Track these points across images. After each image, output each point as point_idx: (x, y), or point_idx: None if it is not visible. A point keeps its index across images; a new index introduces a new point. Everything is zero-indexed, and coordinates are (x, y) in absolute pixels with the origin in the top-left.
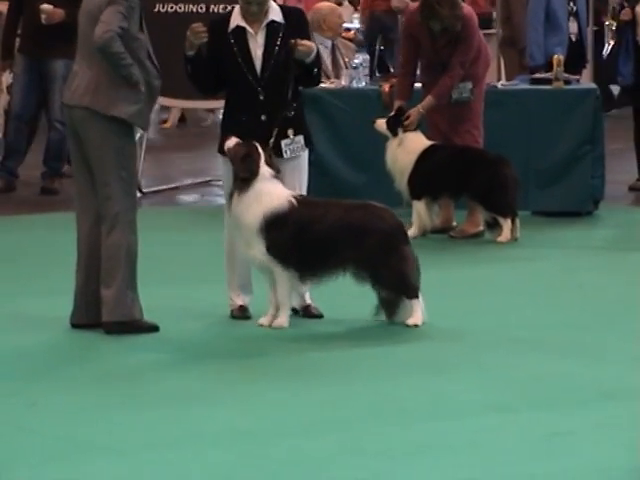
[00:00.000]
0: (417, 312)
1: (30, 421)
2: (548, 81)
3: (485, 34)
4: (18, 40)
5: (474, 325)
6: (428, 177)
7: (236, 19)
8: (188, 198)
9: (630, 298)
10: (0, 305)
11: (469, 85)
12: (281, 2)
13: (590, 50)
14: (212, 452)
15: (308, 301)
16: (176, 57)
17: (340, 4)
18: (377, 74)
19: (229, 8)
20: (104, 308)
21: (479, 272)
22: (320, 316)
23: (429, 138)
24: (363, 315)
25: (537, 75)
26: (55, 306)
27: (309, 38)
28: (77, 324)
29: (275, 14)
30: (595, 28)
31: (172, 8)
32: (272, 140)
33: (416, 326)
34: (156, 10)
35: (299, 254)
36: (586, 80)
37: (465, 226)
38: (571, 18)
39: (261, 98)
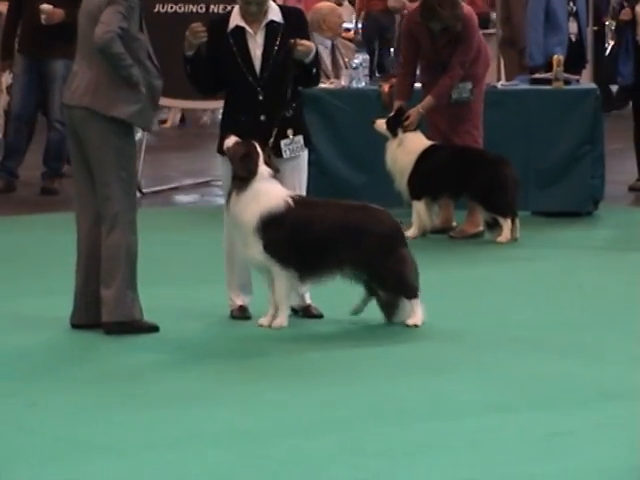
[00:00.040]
0: (417, 312)
1: (30, 421)
2: (548, 81)
3: (483, 34)
4: (17, 40)
5: (474, 325)
6: (428, 177)
7: (235, 19)
8: (188, 198)
9: (630, 298)
10: (0, 305)
11: (469, 85)
12: (281, 2)
13: (590, 50)
14: (212, 452)
15: (308, 301)
16: (176, 57)
17: (340, 4)
18: (377, 74)
19: (229, 8)
20: (104, 308)
21: (479, 272)
22: (320, 316)
23: (429, 138)
24: (363, 315)
25: (537, 75)
26: (55, 306)
27: (308, 38)
28: (77, 324)
29: (274, 14)
30: (595, 28)
31: (172, 8)
32: (272, 140)
33: (416, 326)
34: (156, 10)
35: (296, 254)
36: (586, 80)
37: (465, 226)
38: (571, 18)
39: (260, 98)
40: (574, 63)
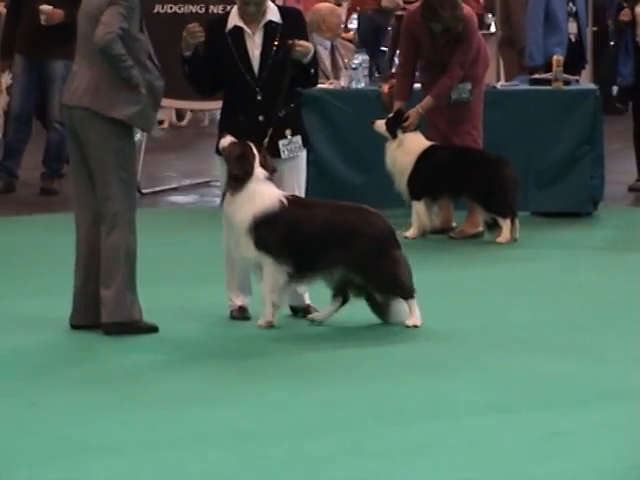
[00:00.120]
0: (415, 313)
1: (29, 421)
2: (547, 81)
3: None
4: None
5: (474, 325)
6: (428, 178)
7: (234, 19)
8: (187, 199)
9: (630, 298)
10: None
11: (468, 86)
12: (280, 2)
13: (589, 51)
14: (211, 452)
15: (307, 301)
16: (176, 58)
17: (339, 5)
18: (377, 74)
19: (228, 8)
20: (103, 309)
21: (478, 272)
22: None
23: (428, 139)
24: (363, 315)
25: (536, 75)
26: (54, 307)
27: (307, 38)
28: (76, 325)
29: (273, 14)
30: (595, 29)
31: (171, 9)
32: (266, 140)
33: (416, 327)
34: (155, 11)
35: (289, 253)
36: (585, 81)
37: (465, 227)
38: (570, 19)
39: (259, 98)
40: (574, 63)
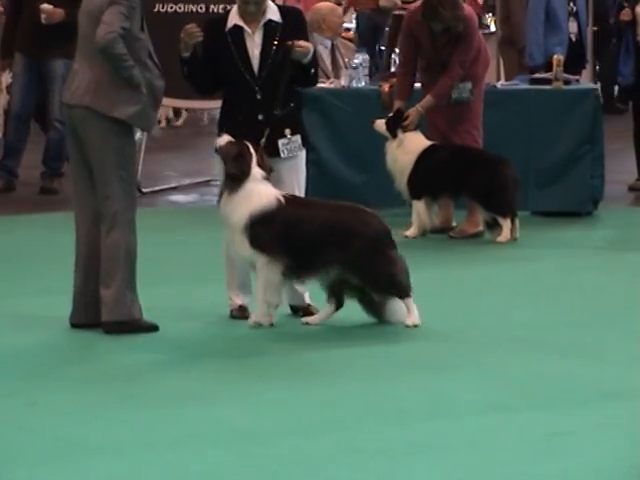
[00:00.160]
0: (413, 312)
1: (29, 421)
2: (548, 81)
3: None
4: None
5: (473, 325)
6: (428, 177)
7: (233, 18)
8: (187, 198)
9: (630, 298)
10: None
11: (469, 85)
12: (280, 2)
13: (590, 50)
14: (211, 452)
15: (307, 301)
16: (175, 57)
17: (340, 4)
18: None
19: (229, 8)
20: (103, 308)
21: (478, 272)
22: None
23: (428, 138)
24: (362, 315)
25: (537, 75)
26: (54, 306)
27: (307, 38)
28: (76, 324)
29: (273, 13)
30: (595, 28)
31: (172, 8)
32: (263, 140)
33: (415, 326)
34: (156, 10)
35: (284, 252)
36: (586, 80)
37: (465, 226)
38: (571, 18)
39: (258, 97)
40: (574, 63)
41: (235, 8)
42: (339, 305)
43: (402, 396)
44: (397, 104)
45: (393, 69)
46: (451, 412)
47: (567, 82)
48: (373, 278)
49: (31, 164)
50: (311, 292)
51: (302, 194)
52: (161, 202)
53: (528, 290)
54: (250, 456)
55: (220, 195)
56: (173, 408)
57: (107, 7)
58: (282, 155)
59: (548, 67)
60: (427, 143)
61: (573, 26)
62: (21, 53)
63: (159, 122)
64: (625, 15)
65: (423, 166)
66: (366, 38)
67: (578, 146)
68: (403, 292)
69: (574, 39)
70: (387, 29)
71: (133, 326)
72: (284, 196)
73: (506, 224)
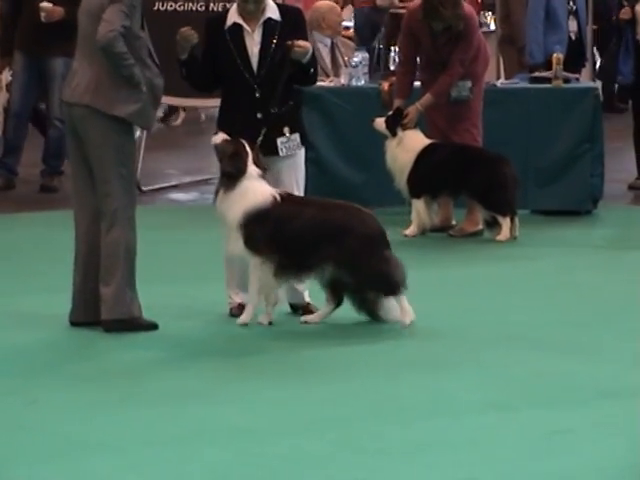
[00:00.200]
0: (406, 309)
1: (29, 419)
2: (547, 80)
3: None
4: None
5: (473, 323)
6: (427, 176)
7: (233, 16)
8: (187, 196)
9: (629, 297)
10: None
11: (468, 84)
12: (280, 0)
13: (589, 48)
14: (210, 450)
15: (307, 299)
16: (175, 56)
17: (338, 2)
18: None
19: (228, 6)
20: (103, 306)
21: (478, 271)
22: None
23: (428, 136)
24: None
25: (536, 74)
26: (54, 304)
27: (306, 37)
28: (76, 322)
29: (272, 12)
30: (595, 27)
31: (171, 6)
32: (260, 139)
33: (409, 323)
34: (155, 8)
35: (278, 251)
36: (586, 79)
37: (464, 225)
38: (571, 17)
39: (257, 96)
40: (574, 62)
41: (234, 6)
42: (338, 303)
43: (402, 394)
44: (397, 102)
45: (392, 67)
46: (451, 410)
47: (567, 81)
48: (365, 276)
49: (31, 162)
50: (311, 291)
51: (301, 192)
52: (161, 200)
53: (528, 289)
54: (249, 454)
55: (216, 193)
56: (173, 406)
57: (108, 5)
58: (281, 153)
59: (548, 66)
60: (427, 142)
61: (573, 25)
62: (21, 51)
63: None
64: (625, 14)
65: (423, 165)
66: (365, 36)
67: (578, 145)
68: (395, 290)
69: (574, 38)
70: (383, 28)
71: (133, 324)
72: (280, 194)
73: (506, 223)
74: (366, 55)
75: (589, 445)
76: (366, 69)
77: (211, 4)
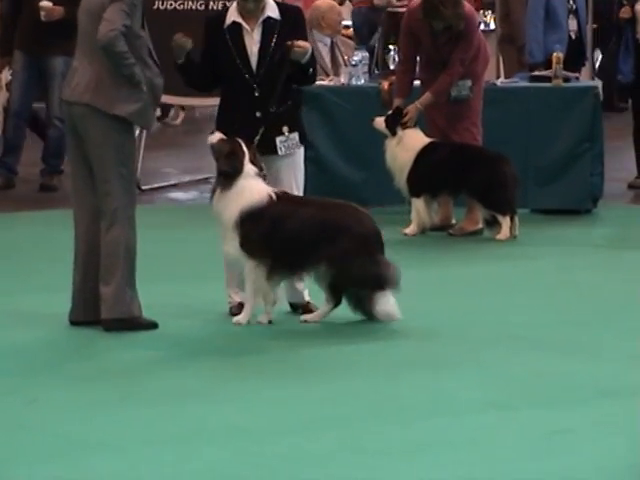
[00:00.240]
0: (390, 305)
1: (29, 418)
2: (547, 79)
3: None
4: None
5: (473, 323)
6: (427, 175)
7: (232, 15)
8: (187, 195)
9: (629, 296)
10: None
11: (468, 83)
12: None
13: (589, 48)
14: (209, 449)
15: (307, 298)
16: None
17: (341, 4)
18: (376, 71)
19: (228, 5)
20: (103, 305)
21: (478, 270)
22: None
23: (428, 135)
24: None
25: (536, 73)
26: (54, 303)
27: (305, 36)
28: (76, 321)
29: (272, 10)
30: (595, 26)
31: (171, 5)
32: (257, 138)
33: (394, 319)
34: (155, 7)
35: (273, 252)
36: (585, 78)
37: (464, 224)
38: (571, 16)
39: (256, 95)
40: (574, 61)
41: (234, 5)
42: (338, 303)
43: (402, 394)
44: (396, 102)
45: (392, 67)
46: (451, 410)
47: (567, 80)
48: (353, 275)
49: (31, 161)
50: (310, 290)
51: (300, 192)
52: (160, 199)
53: (527, 288)
54: (249, 454)
55: (213, 192)
56: (172, 405)
57: (109, 4)
58: (279, 153)
59: (548, 65)
60: (426, 141)
61: (573, 24)
62: (20, 50)
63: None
64: (625, 13)
65: (422, 164)
66: (363, 35)
67: (578, 144)
68: (383, 285)
69: (574, 37)
70: (380, 27)
71: (132, 323)
72: (276, 193)
73: (505, 222)
74: (366, 54)
75: (589, 444)
76: (366, 68)
77: (211, 3)
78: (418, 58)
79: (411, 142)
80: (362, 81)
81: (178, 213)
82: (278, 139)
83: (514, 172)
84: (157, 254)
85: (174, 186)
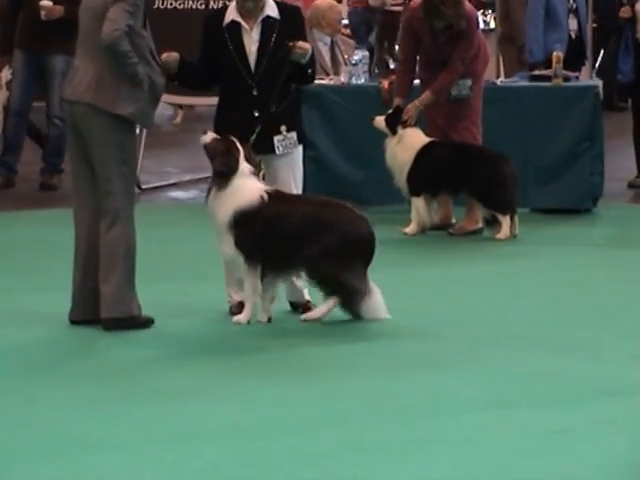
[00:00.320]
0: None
1: (28, 417)
2: (547, 78)
3: None
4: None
5: (473, 322)
6: (427, 174)
7: (231, 14)
8: (187, 194)
9: (628, 295)
10: None
11: (468, 82)
12: None
13: (589, 47)
14: (209, 448)
15: (307, 297)
16: (176, 50)
17: (340, 1)
18: (376, 71)
19: (228, 4)
20: (103, 304)
21: (478, 269)
22: None
23: (427, 135)
24: None
25: (536, 72)
26: (54, 302)
27: (304, 35)
28: (75, 320)
29: (271, 10)
30: (594, 25)
31: (172, 5)
32: (253, 137)
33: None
34: (155, 6)
35: (266, 249)
36: (585, 77)
37: (464, 223)
38: (571, 15)
39: (254, 94)
40: (574, 60)
41: (233, 4)
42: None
43: (401, 393)
44: (396, 101)
45: (392, 66)
46: (451, 409)
47: (567, 79)
48: (322, 277)
49: (31, 160)
50: (311, 288)
51: (299, 191)
52: (161, 198)
53: (527, 287)
54: (248, 452)
55: (208, 192)
56: (172, 404)
57: (111, 4)
58: (277, 152)
59: (548, 64)
60: (426, 140)
61: (573, 23)
62: (21, 49)
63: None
64: (625, 12)
65: (422, 163)
66: (361, 34)
67: (578, 143)
68: (347, 296)
69: (574, 36)
70: (376, 27)
71: (132, 323)
72: (271, 191)
73: (505, 221)
74: (366, 53)
75: (589, 443)
76: (366, 67)
77: (211, 2)
78: (418, 57)
79: (411, 141)
80: (362, 80)
81: (178, 212)
82: (276, 138)
83: (514, 171)
84: (157, 253)
85: (174, 185)
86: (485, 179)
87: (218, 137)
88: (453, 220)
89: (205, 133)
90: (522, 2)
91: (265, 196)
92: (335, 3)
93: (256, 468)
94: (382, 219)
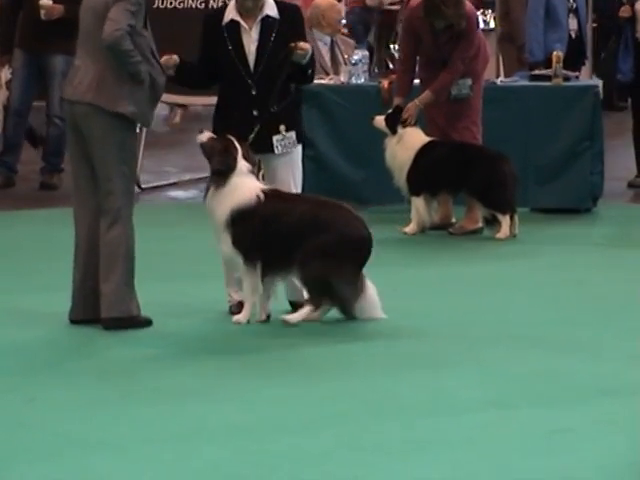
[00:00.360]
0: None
1: (28, 417)
2: (547, 78)
3: None
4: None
5: (473, 322)
6: (427, 173)
7: (230, 13)
8: (186, 194)
9: (628, 295)
10: None
11: (468, 81)
12: None
13: (589, 47)
14: (209, 448)
15: (307, 297)
16: (176, 53)
17: (340, 0)
18: (376, 70)
19: (228, 3)
20: (102, 304)
21: (478, 269)
22: None
23: (427, 134)
24: None
25: (536, 72)
26: (54, 301)
27: (304, 35)
28: (75, 320)
29: (270, 9)
30: (594, 25)
31: (171, 4)
32: (251, 136)
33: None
34: (155, 6)
35: (263, 248)
36: (585, 77)
37: (464, 223)
38: (571, 15)
39: (253, 93)
40: (574, 60)
41: (233, 3)
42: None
43: (401, 392)
44: (396, 100)
45: (392, 66)
46: (451, 409)
47: (567, 79)
48: (309, 276)
49: (31, 160)
50: None
51: (299, 190)
52: (160, 198)
53: (527, 287)
54: (248, 452)
55: (206, 190)
56: (172, 404)
57: (113, 4)
58: (276, 151)
59: (548, 64)
60: (426, 139)
61: (573, 23)
62: (21, 49)
63: None
64: (624, 12)
65: (422, 162)
66: (359, 34)
67: (577, 143)
68: (333, 300)
69: (574, 36)
70: (374, 27)
71: (131, 322)
72: (268, 190)
73: (505, 221)
74: (366, 53)
75: (589, 443)
76: (366, 67)
77: (211, 1)
78: (418, 57)
79: (411, 141)
80: (362, 80)
81: (178, 211)
82: (275, 138)
83: (514, 171)
84: (157, 252)
85: (174, 184)
86: (485, 179)
87: (214, 136)
88: (453, 220)
89: (201, 132)
90: (522, 2)
91: (261, 195)
92: (335, 2)
93: (256, 468)
94: (382, 219)
